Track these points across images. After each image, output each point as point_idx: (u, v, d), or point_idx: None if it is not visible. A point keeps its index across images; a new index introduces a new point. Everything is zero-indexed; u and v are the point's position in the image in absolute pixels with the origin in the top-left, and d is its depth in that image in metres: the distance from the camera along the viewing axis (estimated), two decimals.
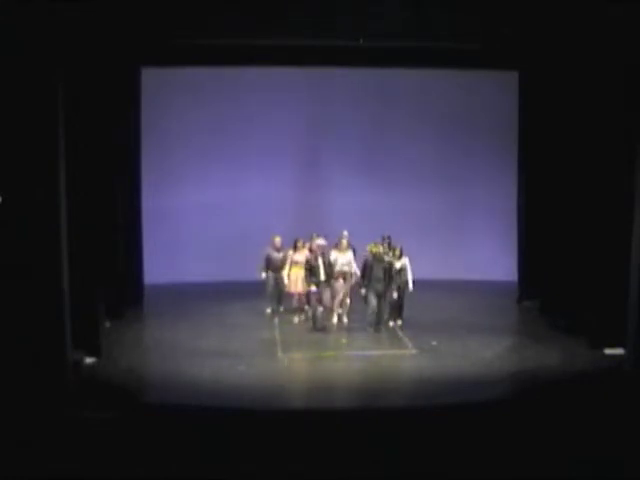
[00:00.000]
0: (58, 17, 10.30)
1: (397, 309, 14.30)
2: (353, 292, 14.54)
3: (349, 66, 16.20)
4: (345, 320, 14.43)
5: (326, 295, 14.04)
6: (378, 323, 13.86)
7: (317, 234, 14.58)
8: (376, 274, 13.75)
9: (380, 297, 13.86)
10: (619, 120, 11.85)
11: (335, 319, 14.35)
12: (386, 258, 13.90)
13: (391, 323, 14.23)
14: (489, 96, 17.31)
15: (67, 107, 10.88)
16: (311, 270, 13.90)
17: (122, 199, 14.75)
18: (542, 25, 11.84)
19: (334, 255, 14.36)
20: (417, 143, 17.76)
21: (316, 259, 13.93)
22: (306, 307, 14.51)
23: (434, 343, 13.07)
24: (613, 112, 11.97)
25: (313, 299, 14.00)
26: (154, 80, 16.04)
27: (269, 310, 14.97)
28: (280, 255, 14.66)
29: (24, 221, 10.34)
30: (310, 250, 14.29)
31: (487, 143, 17.65)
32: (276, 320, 14.55)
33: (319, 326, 13.91)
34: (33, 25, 10.14)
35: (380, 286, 13.77)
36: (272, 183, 17.50)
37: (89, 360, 11.85)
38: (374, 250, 13.87)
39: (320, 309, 13.95)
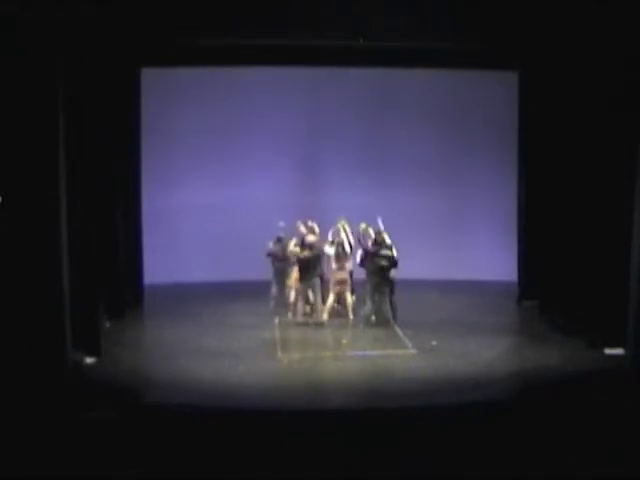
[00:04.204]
0: (58, 17, 10.31)
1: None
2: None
3: (349, 66, 16.21)
4: (351, 317, 14.51)
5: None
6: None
7: (301, 221, 14.70)
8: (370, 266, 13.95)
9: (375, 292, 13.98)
10: (619, 120, 11.83)
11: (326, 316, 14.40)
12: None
13: (373, 317, 14.23)
14: (489, 96, 17.29)
15: (67, 107, 10.88)
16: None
17: (122, 199, 14.76)
18: (542, 25, 11.85)
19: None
20: (417, 143, 17.75)
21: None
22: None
23: (434, 343, 13.06)
24: (613, 112, 11.96)
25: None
26: (154, 80, 16.03)
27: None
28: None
29: (24, 221, 10.34)
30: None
31: (487, 143, 17.64)
32: (276, 320, 14.55)
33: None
34: (33, 26, 10.15)
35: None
36: (272, 183, 17.49)
37: (89, 360, 11.84)
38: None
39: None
